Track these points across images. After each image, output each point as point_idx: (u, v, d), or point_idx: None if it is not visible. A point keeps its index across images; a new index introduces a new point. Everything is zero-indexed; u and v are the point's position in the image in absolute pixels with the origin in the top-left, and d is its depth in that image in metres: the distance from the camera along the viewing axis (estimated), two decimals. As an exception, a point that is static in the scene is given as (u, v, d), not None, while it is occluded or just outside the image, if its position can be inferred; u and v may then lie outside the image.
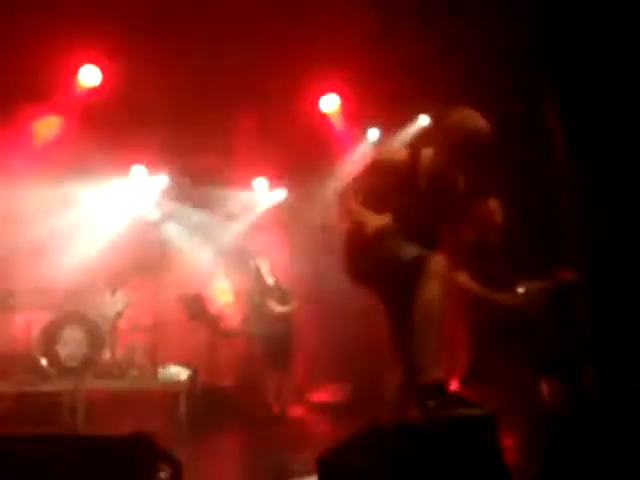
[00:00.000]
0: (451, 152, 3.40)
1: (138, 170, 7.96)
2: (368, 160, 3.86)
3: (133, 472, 2.41)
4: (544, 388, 4.57)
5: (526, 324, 4.79)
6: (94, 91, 6.44)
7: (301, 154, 7.67)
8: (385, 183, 3.51)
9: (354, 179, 3.65)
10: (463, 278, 4.77)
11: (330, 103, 7.42)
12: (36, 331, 6.14)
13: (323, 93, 7.35)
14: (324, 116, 7.48)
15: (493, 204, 5.22)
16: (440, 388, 3.18)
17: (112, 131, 6.64)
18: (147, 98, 6.48)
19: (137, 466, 2.43)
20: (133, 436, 2.52)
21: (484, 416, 2.99)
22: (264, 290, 7.25)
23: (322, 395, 7.64)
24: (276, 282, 7.34)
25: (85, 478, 2.30)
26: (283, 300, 7.27)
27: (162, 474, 2.51)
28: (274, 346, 7.10)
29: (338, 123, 7.55)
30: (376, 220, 3.34)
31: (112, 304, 7.03)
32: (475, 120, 3.39)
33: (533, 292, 4.87)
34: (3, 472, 2.25)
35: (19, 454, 2.33)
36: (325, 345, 7.63)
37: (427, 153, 3.53)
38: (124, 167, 7.79)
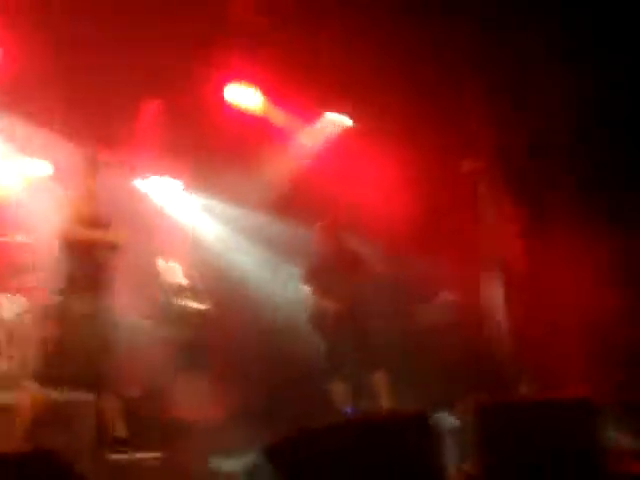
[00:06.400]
0: None
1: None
2: None
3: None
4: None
5: None
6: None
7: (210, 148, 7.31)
8: None
9: None
10: None
11: (238, 92, 7.14)
12: None
13: (230, 81, 7.06)
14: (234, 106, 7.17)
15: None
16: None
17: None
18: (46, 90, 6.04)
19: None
20: (34, 452, 2.43)
21: (417, 416, 3.11)
22: (177, 291, 6.88)
23: (239, 399, 7.29)
24: (190, 283, 6.98)
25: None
26: (197, 300, 6.94)
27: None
28: (189, 350, 6.77)
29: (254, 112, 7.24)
30: None
31: (8, 308, 6.36)
32: None
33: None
34: None
35: None
36: (241, 349, 7.30)
37: None
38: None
